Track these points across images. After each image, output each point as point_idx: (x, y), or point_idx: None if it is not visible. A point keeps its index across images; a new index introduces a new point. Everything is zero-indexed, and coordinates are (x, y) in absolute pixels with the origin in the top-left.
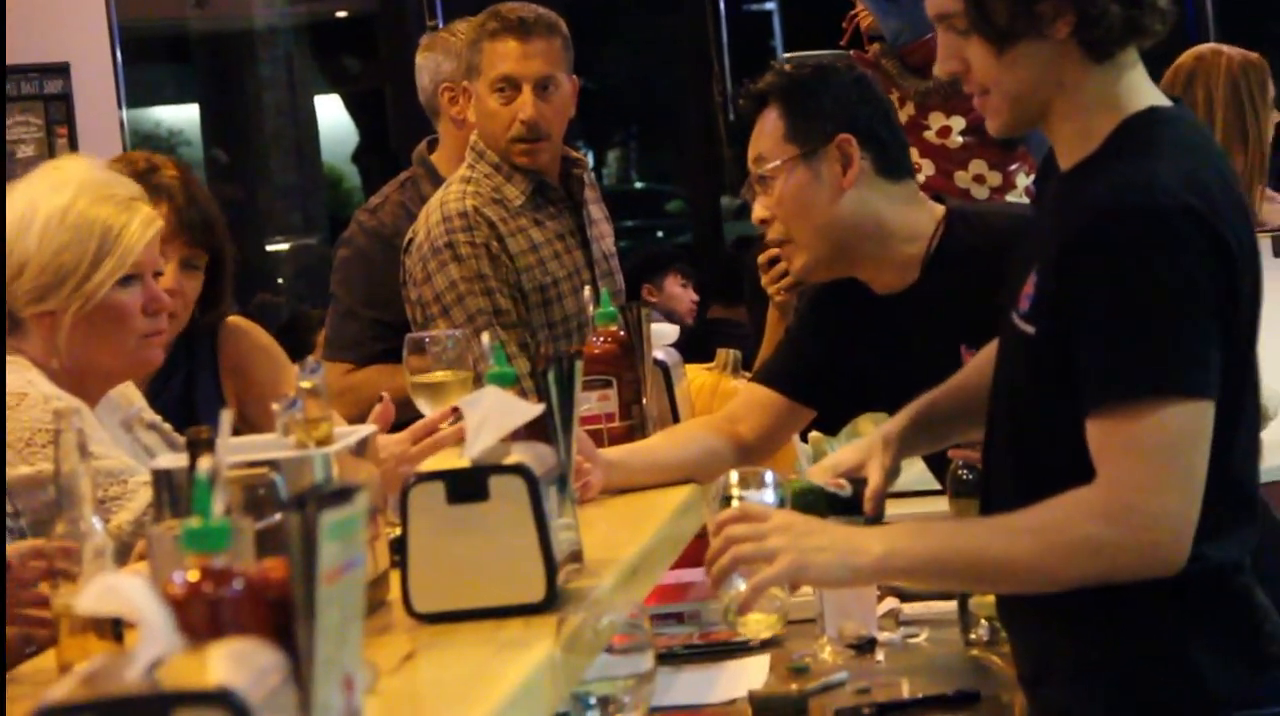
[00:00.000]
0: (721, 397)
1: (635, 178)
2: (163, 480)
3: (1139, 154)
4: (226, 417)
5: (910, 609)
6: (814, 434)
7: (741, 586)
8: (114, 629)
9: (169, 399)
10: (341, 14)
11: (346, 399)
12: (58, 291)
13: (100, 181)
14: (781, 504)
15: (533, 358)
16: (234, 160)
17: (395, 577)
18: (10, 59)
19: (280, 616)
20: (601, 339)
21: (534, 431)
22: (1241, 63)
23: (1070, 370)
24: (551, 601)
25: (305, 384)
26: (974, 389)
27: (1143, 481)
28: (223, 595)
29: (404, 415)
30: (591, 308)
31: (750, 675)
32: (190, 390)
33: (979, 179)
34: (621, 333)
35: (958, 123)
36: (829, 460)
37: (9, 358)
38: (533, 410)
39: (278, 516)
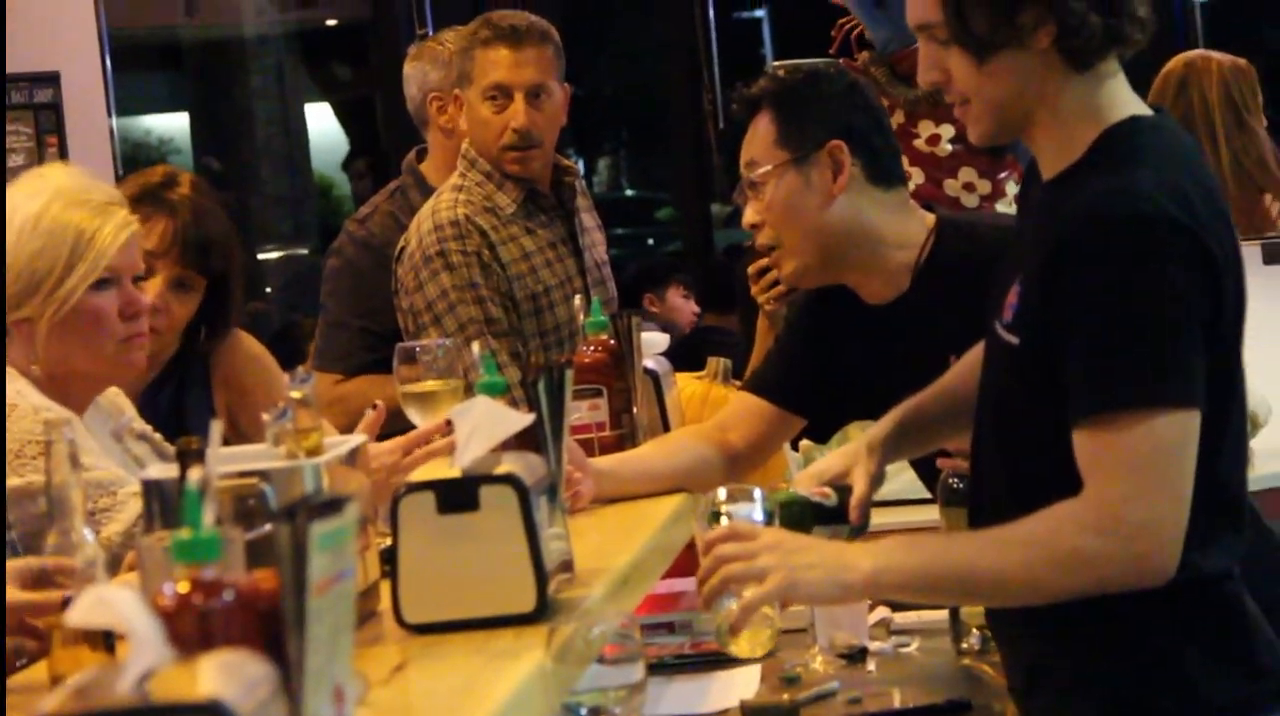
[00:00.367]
0: (712, 406)
1: (625, 185)
2: (153, 491)
3: (1121, 164)
4: (216, 428)
5: (901, 618)
6: (804, 442)
7: (732, 605)
8: (105, 640)
9: (160, 409)
10: (332, 22)
11: (336, 409)
12: (32, 298)
13: (76, 187)
14: (770, 518)
15: (524, 366)
16: (224, 168)
17: (386, 588)
18: None
19: (270, 627)
20: (592, 348)
21: (524, 441)
22: (1232, 68)
23: (1055, 380)
24: (542, 611)
25: (295, 394)
26: (957, 394)
27: (1131, 492)
28: (213, 606)
29: (395, 425)
30: (582, 316)
31: (741, 685)
32: (181, 400)
33: (968, 187)
34: (612, 341)
35: (947, 130)
36: (814, 468)
37: None
38: (523, 420)
39: (268, 527)
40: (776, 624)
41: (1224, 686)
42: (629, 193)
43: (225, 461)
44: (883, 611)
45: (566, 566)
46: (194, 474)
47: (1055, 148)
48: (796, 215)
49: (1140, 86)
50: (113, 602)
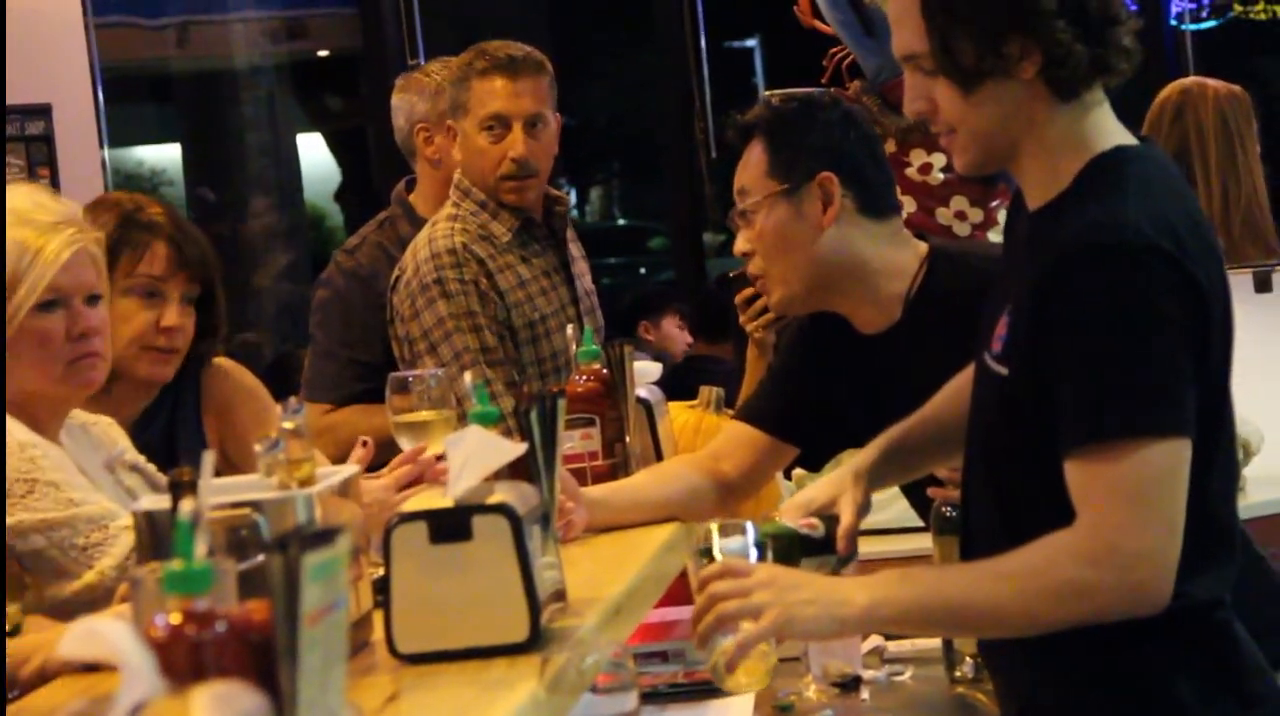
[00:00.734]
0: (704, 435)
1: (618, 214)
2: (145, 522)
3: (1107, 194)
4: (209, 459)
5: (895, 646)
6: (797, 471)
7: (728, 642)
8: None
9: (151, 439)
10: (323, 53)
11: (326, 439)
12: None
13: (27, 206)
14: (761, 551)
15: (517, 395)
16: (216, 199)
17: (379, 618)
18: None
19: (263, 658)
20: (584, 377)
21: (517, 470)
22: (1227, 95)
23: (1045, 410)
24: (535, 641)
25: (288, 424)
26: (941, 420)
27: (1124, 522)
28: (205, 637)
29: (386, 455)
30: (574, 346)
31: (735, 714)
32: (173, 431)
33: (960, 215)
34: (604, 371)
35: (939, 159)
36: (800, 497)
37: None
38: (516, 449)
39: (260, 558)
40: (772, 660)
41: (1216, 714)
42: (621, 222)
43: (218, 492)
44: (876, 639)
45: (559, 596)
46: (186, 505)
47: (1041, 178)
48: (786, 245)
49: (1131, 114)
50: (105, 634)
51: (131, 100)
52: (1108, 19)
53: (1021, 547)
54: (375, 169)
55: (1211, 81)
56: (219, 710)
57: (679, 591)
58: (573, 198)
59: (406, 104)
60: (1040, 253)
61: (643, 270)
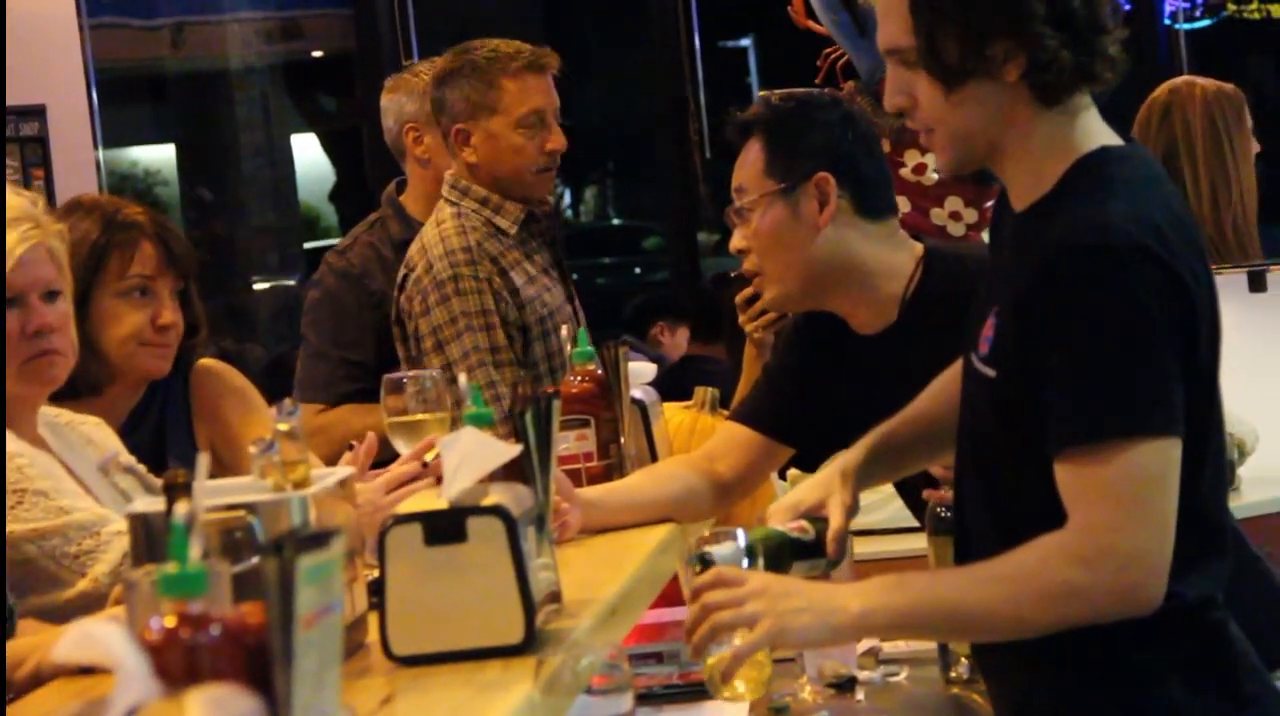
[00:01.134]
0: (699, 436)
1: (612, 215)
2: (139, 524)
3: (1092, 195)
4: (203, 461)
5: (890, 647)
6: (792, 472)
7: (723, 651)
8: None
9: (141, 441)
10: (317, 54)
11: (319, 439)
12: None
13: None
14: (752, 557)
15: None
16: (211, 199)
17: (374, 620)
18: None
19: (258, 661)
20: (579, 378)
21: (512, 472)
22: (1216, 93)
23: (1034, 412)
24: (530, 642)
25: (282, 426)
26: (929, 418)
27: (1115, 523)
28: (200, 640)
29: (386, 453)
30: (569, 346)
31: (730, 715)
32: (162, 432)
33: (955, 216)
34: (599, 372)
35: (933, 160)
36: (789, 499)
37: None
38: (510, 451)
39: (255, 560)
40: (767, 670)
41: (1208, 714)
42: (616, 222)
43: (212, 494)
44: (871, 640)
45: (554, 597)
46: (181, 507)
47: (1025, 179)
48: (782, 245)
49: (1125, 115)
50: (99, 637)
51: (126, 101)
52: (1095, 27)
53: (1013, 550)
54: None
55: (1201, 80)
56: (214, 713)
57: (674, 592)
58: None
59: (396, 104)
60: (1026, 254)
61: (638, 270)
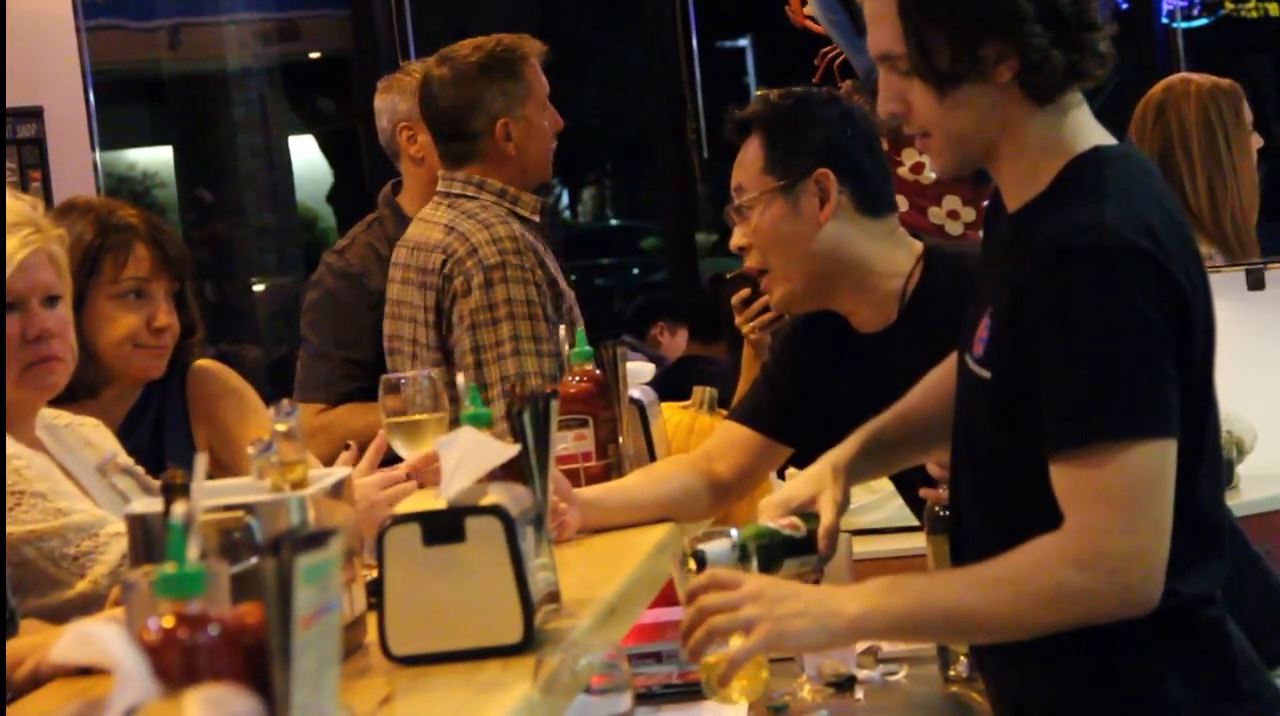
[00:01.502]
0: (698, 435)
1: (610, 215)
2: (137, 525)
3: (1085, 196)
4: (201, 461)
5: (889, 646)
6: (791, 471)
7: (718, 653)
8: None
9: (138, 442)
10: (314, 55)
11: (320, 439)
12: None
13: None
14: (745, 556)
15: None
16: (208, 201)
17: (373, 620)
18: None
19: (256, 661)
20: (577, 378)
21: (510, 472)
22: (1211, 89)
23: (1029, 413)
24: (529, 642)
25: (280, 427)
26: (920, 413)
27: (1112, 525)
28: (198, 641)
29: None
30: (566, 346)
31: (729, 714)
32: (159, 434)
33: (953, 214)
34: (597, 371)
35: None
36: (780, 495)
37: None
38: (509, 451)
39: (253, 561)
40: (765, 673)
41: (1206, 711)
42: (614, 222)
43: (210, 495)
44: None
45: (553, 597)
46: (179, 508)
47: (1019, 179)
48: (783, 242)
49: (1123, 114)
50: (98, 638)
51: (123, 103)
52: (1084, 24)
53: (1009, 552)
54: (367, 170)
55: (1196, 77)
56: (212, 713)
57: (673, 592)
58: (565, 198)
59: (390, 104)
60: (1020, 254)
61: (636, 270)
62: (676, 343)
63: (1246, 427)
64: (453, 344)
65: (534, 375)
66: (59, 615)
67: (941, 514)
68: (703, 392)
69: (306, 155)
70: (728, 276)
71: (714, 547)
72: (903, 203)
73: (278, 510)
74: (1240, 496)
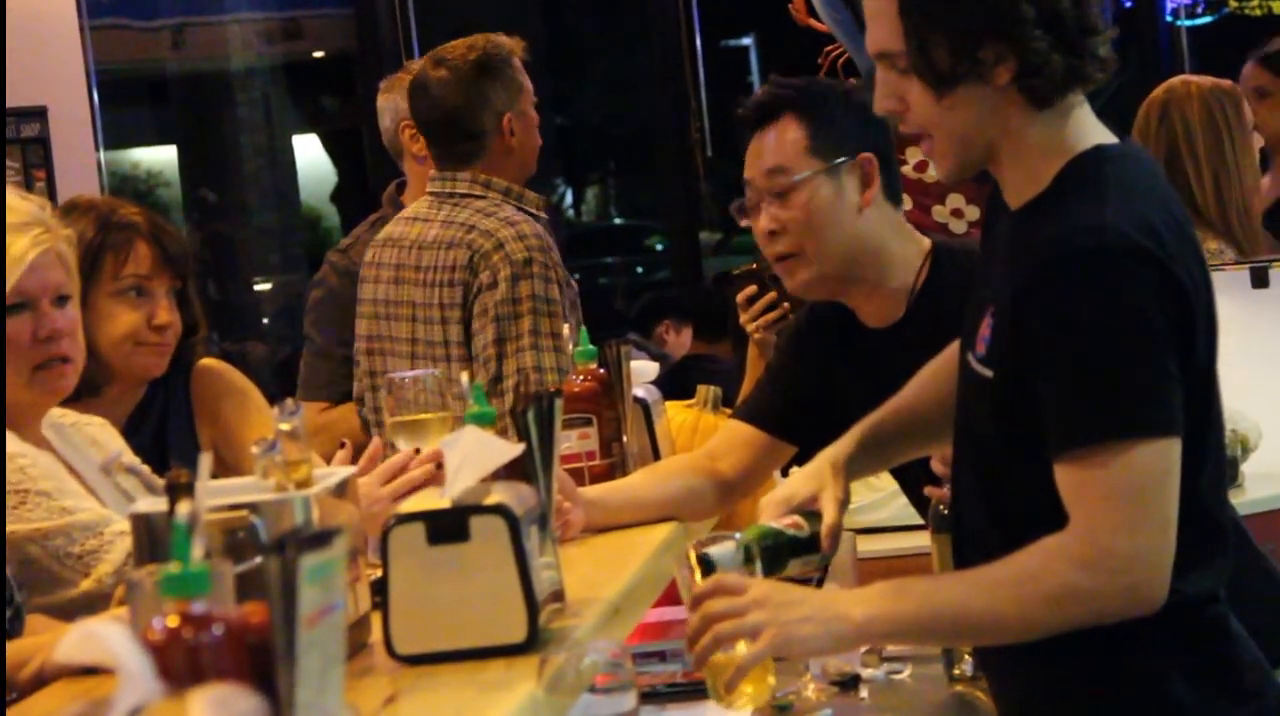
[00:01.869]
0: (702, 434)
1: (614, 214)
2: (142, 525)
3: (1086, 195)
4: (205, 461)
5: (894, 645)
6: (794, 469)
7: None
8: None
9: (142, 441)
10: (318, 54)
11: (323, 437)
12: (5, 325)
13: None
14: (750, 557)
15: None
16: (212, 200)
17: (377, 619)
18: None
19: (260, 661)
20: (581, 377)
21: (514, 471)
22: (1213, 89)
23: (1032, 413)
24: (533, 642)
25: (284, 426)
26: (918, 408)
27: (1117, 524)
28: (202, 640)
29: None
30: (572, 345)
31: (734, 713)
32: (163, 433)
33: (957, 213)
34: (601, 370)
35: None
36: (780, 493)
37: None
38: (513, 450)
39: (258, 560)
40: (771, 678)
41: (1210, 710)
42: (617, 221)
43: (214, 494)
44: None
45: (557, 596)
46: (183, 507)
47: (1020, 178)
48: (826, 225)
49: (1127, 114)
50: (102, 637)
51: (127, 102)
52: (1084, 29)
53: (1014, 554)
54: (371, 170)
55: (1196, 78)
56: (217, 712)
57: (677, 591)
58: (569, 197)
59: (392, 104)
60: (1021, 255)
61: (640, 269)
62: (681, 341)
63: (1251, 425)
64: (471, 335)
65: (550, 370)
66: (63, 614)
67: (946, 512)
68: (706, 391)
69: (310, 154)
70: (734, 273)
71: (719, 551)
72: (906, 201)
73: (282, 509)
74: (1245, 494)
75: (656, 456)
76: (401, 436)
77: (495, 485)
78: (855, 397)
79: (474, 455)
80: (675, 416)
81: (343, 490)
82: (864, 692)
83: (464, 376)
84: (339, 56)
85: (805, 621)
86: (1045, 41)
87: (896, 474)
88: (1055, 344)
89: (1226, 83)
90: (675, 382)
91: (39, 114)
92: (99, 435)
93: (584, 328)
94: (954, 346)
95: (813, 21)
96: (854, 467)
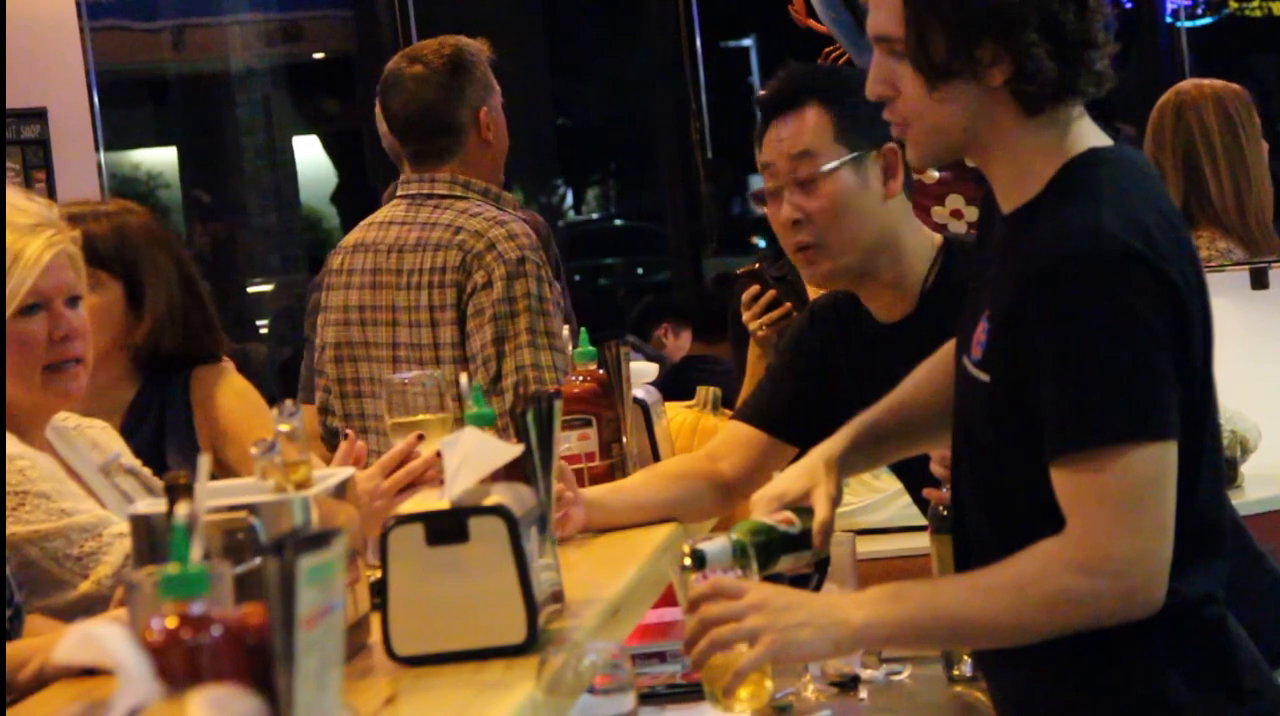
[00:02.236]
0: (702, 435)
1: (614, 214)
2: (141, 526)
3: (1081, 199)
4: (205, 462)
5: (891, 650)
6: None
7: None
8: None
9: (140, 443)
10: (318, 56)
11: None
12: (5, 325)
13: (8, 209)
14: (743, 553)
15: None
16: (212, 201)
17: (376, 620)
18: None
19: (259, 662)
20: (581, 378)
21: (514, 472)
22: (1226, 91)
23: (1029, 417)
24: (533, 642)
25: (283, 427)
26: (913, 406)
27: (1114, 528)
28: (201, 641)
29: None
30: (570, 346)
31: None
32: (161, 435)
33: (956, 214)
34: (600, 371)
35: None
36: (773, 490)
37: None
38: (512, 451)
39: (256, 561)
40: (768, 683)
41: (1209, 710)
42: (618, 222)
43: (213, 495)
44: None
45: (557, 597)
46: (182, 508)
47: (1013, 181)
48: (851, 214)
49: (1129, 113)
50: (100, 638)
51: (127, 103)
52: (1084, 42)
53: (1012, 558)
54: (371, 171)
55: (1207, 81)
56: (215, 713)
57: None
58: (569, 198)
59: None
60: (1016, 258)
61: (640, 270)
62: (680, 344)
63: (1250, 426)
64: (466, 337)
65: (549, 368)
66: (62, 615)
67: (945, 513)
68: (706, 392)
69: (310, 155)
70: (737, 273)
71: (712, 546)
72: None
73: (281, 510)
74: (1244, 495)
75: (656, 457)
76: (401, 437)
77: (494, 486)
78: (858, 396)
79: (473, 456)
80: (675, 417)
81: (342, 491)
82: (863, 693)
83: (463, 377)
84: (339, 58)
85: (803, 626)
86: (1043, 49)
87: (899, 475)
88: (1050, 348)
89: (1235, 85)
90: (675, 384)
91: (39, 115)
92: (101, 438)
93: (584, 328)
94: (951, 344)
95: (812, 22)
96: (847, 464)
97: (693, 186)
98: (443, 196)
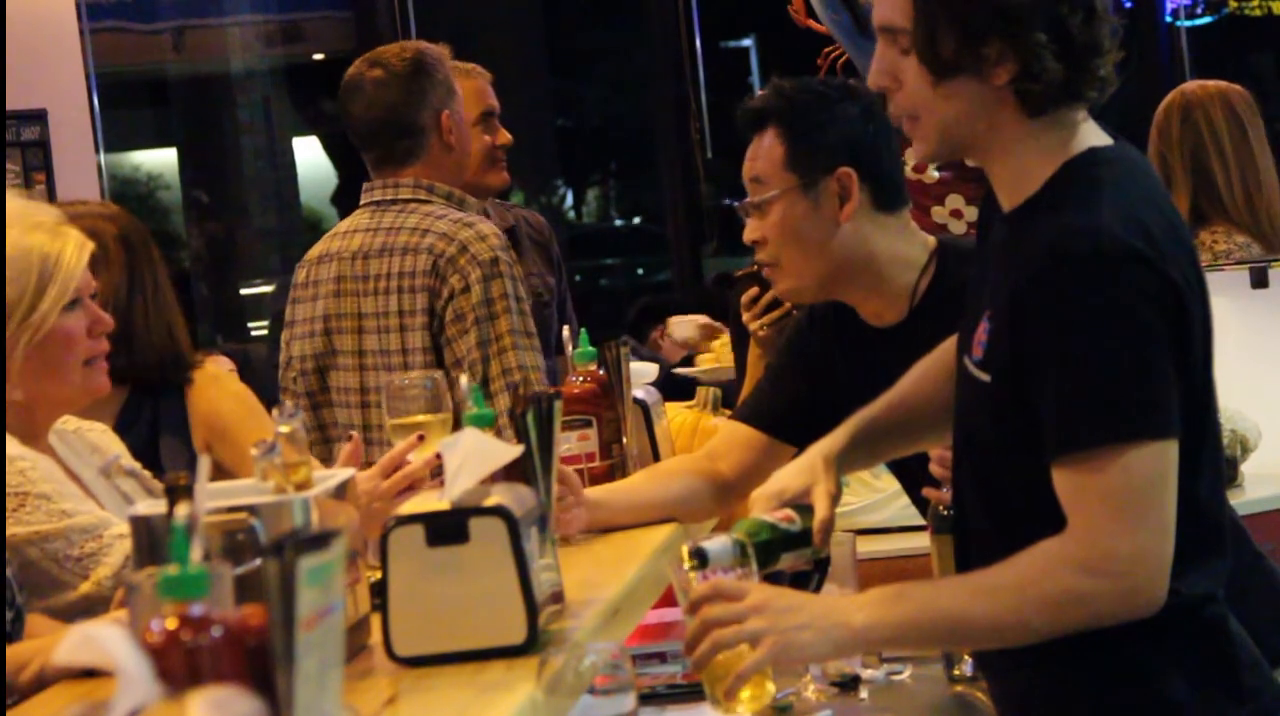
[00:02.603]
0: (701, 435)
1: (614, 215)
2: (141, 527)
3: (1081, 198)
4: (205, 463)
5: (892, 651)
6: None
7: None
8: None
9: (133, 445)
10: (318, 56)
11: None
12: (5, 326)
13: (24, 211)
14: (743, 553)
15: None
16: (213, 202)
17: (376, 621)
18: None
19: (259, 663)
20: (581, 378)
21: (514, 473)
22: (1229, 91)
23: (1029, 416)
24: (533, 643)
25: (283, 428)
26: (913, 404)
27: (1115, 528)
28: (201, 642)
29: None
30: (570, 347)
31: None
32: (154, 437)
33: (956, 214)
34: (600, 372)
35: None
36: (772, 487)
37: None
38: (512, 451)
39: (256, 562)
40: (769, 685)
41: (1209, 709)
42: (618, 222)
43: (213, 497)
44: None
45: (557, 597)
46: (182, 509)
47: (1013, 180)
48: (800, 240)
49: (1130, 113)
50: (100, 639)
51: (127, 105)
52: (1091, 47)
53: (1012, 558)
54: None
55: (1210, 81)
56: (215, 714)
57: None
58: (569, 198)
59: None
60: (1016, 258)
61: (640, 271)
62: (675, 346)
63: (1250, 426)
64: (445, 342)
65: (532, 368)
66: (63, 616)
67: (945, 513)
68: (706, 392)
69: (310, 156)
70: (736, 274)
71: (714, 545)
72: None
73: (281, 511)
74: (1244, 494)
75: (656, 458)
76: (400, 438)
77: (495, 487)
78: (857, 397)
79: (473, 457)
80: (675, 417)
81: (342, 492)
82: (864, 693)
83: (463, 379)
84: (339, 59)
85: (804, 628)
86: (1049, 51)
87: (898, 475)
88: (1051, 348)
89: (1237, 86)
90: (675, 384)
91: (39, 117)
92: (100, 441)
93: (584, 329)
94: (950, 342)
95: (812, 23)
96: (846, 462)
97: (693, 186)
98: (407, 201)
